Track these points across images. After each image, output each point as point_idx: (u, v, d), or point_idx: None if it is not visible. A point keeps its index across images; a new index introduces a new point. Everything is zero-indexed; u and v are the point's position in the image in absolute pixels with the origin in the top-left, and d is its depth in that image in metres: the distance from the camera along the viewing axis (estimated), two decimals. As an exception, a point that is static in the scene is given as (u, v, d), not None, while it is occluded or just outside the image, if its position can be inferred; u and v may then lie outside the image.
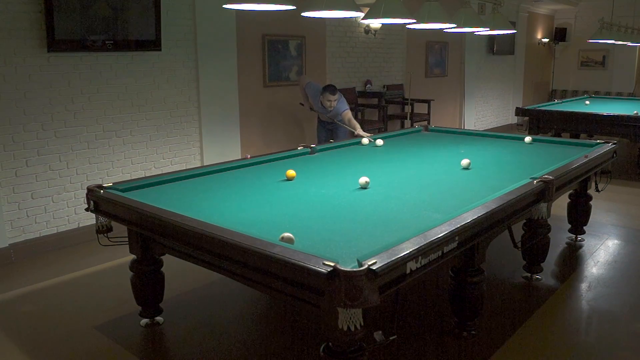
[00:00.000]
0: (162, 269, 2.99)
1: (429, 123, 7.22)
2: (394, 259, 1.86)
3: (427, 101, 7.94)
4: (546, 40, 12.39)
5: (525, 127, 8.73)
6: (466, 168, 3.51)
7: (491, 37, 9.99)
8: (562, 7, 12.03)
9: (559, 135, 6.72)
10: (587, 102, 8.13)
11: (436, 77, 9.08)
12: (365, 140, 4.49)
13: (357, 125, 5.22)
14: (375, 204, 2.76)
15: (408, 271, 1.95)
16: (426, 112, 7.95)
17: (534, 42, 12.07)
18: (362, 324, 1.78)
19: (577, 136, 7.19)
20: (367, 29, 7.29)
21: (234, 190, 3.05)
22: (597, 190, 4.17)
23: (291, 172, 3.24)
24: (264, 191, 3.02)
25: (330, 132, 5.64)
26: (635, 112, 6.45)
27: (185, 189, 3.05)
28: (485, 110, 10.63)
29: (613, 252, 4.15)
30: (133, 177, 4.26)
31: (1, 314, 3.25)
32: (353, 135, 5.11)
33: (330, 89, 5.29)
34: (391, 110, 7.73)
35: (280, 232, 2.13)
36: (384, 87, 7.77)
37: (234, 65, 5.52)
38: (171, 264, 2.99)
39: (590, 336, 2.97)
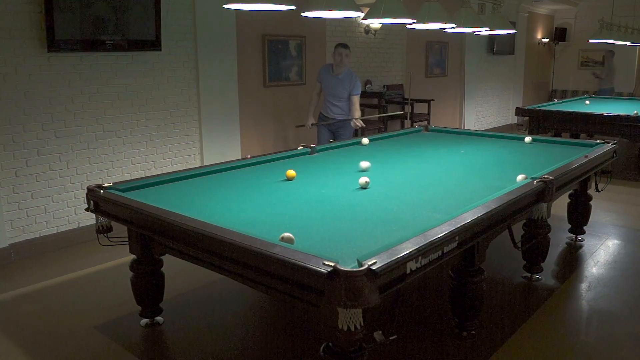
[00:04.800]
0: (162, 269, 2.99)
1: (429, 123, 7.22)
2: (394, 259, 1.86)
3: (427, 101, 7.95)
4: (546, 40, 12.39)
5: (525, 127, 8.72)
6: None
7: (491, 37, 9.99)
8: (562, 7, 12.03)
9: (559, 135, 6.72)
10: (587, 102, 8.13)
11: (436, 77, 9.08)
12: (365, 140, 4.49)
13: (358, 114, 5.30)
14: (375, 204, 2.76)
15: (408, 271, 1.95)
16: (426, 112, 7.95)
17: (534, 42, 12.07)
18: (362, 324, 1.78)
19: (577, 136, 7.18)
20: (367, 29, 7.29)
21: (234, 190, 3.04)
22: (597, 190, 4.17)
23: (291, 172, 3.24)
24: (264, 191, 3.02)
25: (332, 133, 5.53)
26: (635, 112, 6.45)
27: (185, 189, 3.05)
28: (485, 110, 10.63)
29: (613, 252, 4.15)
30: (133, 177, 4.26)
31: (1, 314, 3.25)
32: (355, 134, 5.11)
33: (343, 44, 5.40)
34: (391, 110, 7.72)
35: (280, 232, 2.13)
36: (384, 87, 7.77)
37: (234, 65, 5.52)
38: (171, 264, 2.99)
39: (590, 336, 2.97)
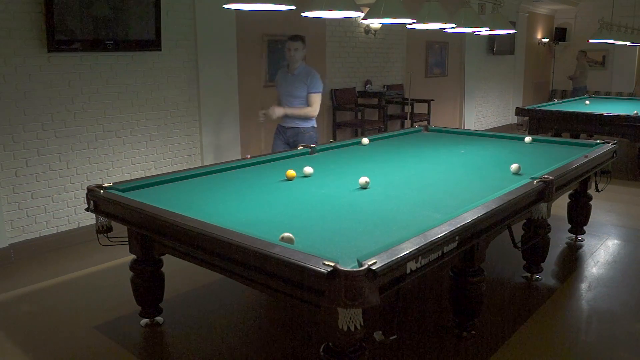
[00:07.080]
0: (162, 269, 2.99)
1: (429, 123, 7.23)
2: (394, 259, 1.86)
3: (427, 101, 7.95)
4: (546, 40, 12.39)
5: (525, 127, 8.72)
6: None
7: (491, 37, 9.99)
8: (562, 7, 12.03)
9: (559, 135, 6.72)
10: (587, 102, 8.13)
11: (436, 77, 9.08)
12: (365, 140, 4.48)
13: (308, 113, 4.55)
14: (375, 204, 2.76)
15: (408, 271, 1.95)
16: (426, 112, 7.95)
17: (534, 42, 12.07)
18: (362, 324, 1.78)
19: (577, 136, 7.19)
20: (367, 29, 7.29)
21: (234, 190, 3.04)
22: (597, 190, 4.17)
23: (291, 172, 3.24)
24: (264, 191, 3.02)
25: (288, 145, 4.69)
26: (635, 112, 6.45)
27: (185, 189, 3.05)
28: (485, 110, 10.63)
29: (613, 252, 4.15)
30: (133, 177, 4.26)
31: (1, 314, 3.25)
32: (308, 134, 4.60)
33: (292, 36, 4.53)
34: (391, 110, 7.73)
35: (280, 232, 2.13)
36: (384, 87, 7.77)
37: (234, 65, 5.52)
38: (171, 264, 2.99)
39: (590, 336, 2.97)
